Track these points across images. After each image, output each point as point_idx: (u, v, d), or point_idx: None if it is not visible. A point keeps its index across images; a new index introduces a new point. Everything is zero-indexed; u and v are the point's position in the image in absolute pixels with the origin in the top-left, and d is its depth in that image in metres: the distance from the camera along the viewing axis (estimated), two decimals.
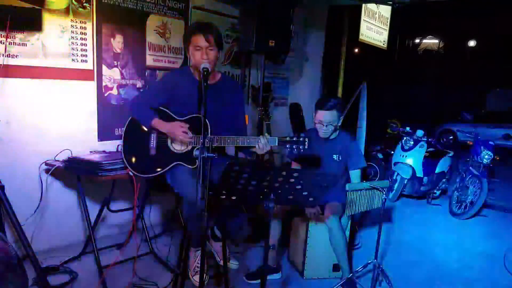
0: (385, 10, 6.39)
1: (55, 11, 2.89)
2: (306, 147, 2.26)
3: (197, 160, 2.21)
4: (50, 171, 2.83)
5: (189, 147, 2.43)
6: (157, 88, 2.60)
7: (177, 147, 2.47)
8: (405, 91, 15.00)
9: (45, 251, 3.09)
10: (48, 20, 2.86)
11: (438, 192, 5.61)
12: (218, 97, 2.45)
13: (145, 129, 2.48)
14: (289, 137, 2.29)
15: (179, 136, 2.37)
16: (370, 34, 6.01)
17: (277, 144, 2.31)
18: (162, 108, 2.49)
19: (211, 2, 4.07)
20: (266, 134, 2.39)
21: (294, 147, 2.27)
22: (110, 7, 3.22)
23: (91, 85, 3.22)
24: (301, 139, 2.26)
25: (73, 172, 2.76)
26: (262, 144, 2.30)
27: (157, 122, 2.42)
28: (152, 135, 2.48)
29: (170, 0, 3.66)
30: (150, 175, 2.48)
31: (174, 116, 2.46)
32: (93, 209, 3.06)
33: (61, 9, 2.93)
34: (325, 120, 2.92)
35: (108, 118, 3.34)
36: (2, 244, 1.85)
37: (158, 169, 2.45)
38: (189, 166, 2.41)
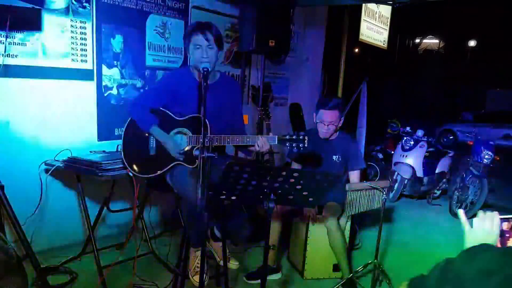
0: (385, 10, 6.38)
1: (55, 11, 2.89)
2: (305, 145, 2.26)
3: (197, 160, 2.22)
4: (50, 171, 2.83)
5: (189, 147, 2.42)
6: (157, 89, 2.59)
7: None
8: (405, 91, 15.01)
9: (45, 251, 3.09)
10: (48, 20, 2.86)
11: (438, 192, 5.61)
12: (218, 96, 2.45)
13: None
14: (289, 135, 2.29)
15: (171, 152, 2.39)
16: (370, 34, 6.00)
17: (276, 143, 2.31)
18: (162, 109, 2.48)
19: (211, 2, 4.07)
20: (270, 133, 2.40)
21: (293, 145, 2.27)
22: (110, 7, 3.22)
23: (91, 85, 3.22)
24: (300, 137, 2.26)
25: (73, 172, 2.75)
26: (262, 143, 2.31)
27: (154, 130, 2.41)
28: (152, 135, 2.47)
29: (170, 0, 3.66)
30: (150, 175, 2.48)
31: (174, 116, 2.45)
32: (93, 209, 3.06)
33: (61, 9, 2.93)
34: (327, 120, 2.91)
35: (108, 118, 3.34)
36: (2, 244, 1.84)
37: (158, 169, 2.44)
38: (189, 166, 2.41)
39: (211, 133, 2.31)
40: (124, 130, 2.50)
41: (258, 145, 2.32)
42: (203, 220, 1.80)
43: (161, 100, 2.48)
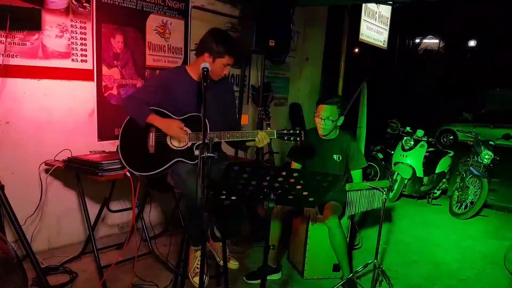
0: (385, 10, 6.38)
1: (55, 11, 2.89)
2: (302, 138, 2.36)
3: (197, 159, 2.21)
4: (50, 171, 2.83)
5: (189, 144, 2.42)
6: (153, 86, 2.58)
7: (176, 144, 2.45)
8: (405, 91, 15.01)
9: (45, 251, 3.09)
10: (48, 20, 2.86)
11: (438, 192, 5.61)
12: (212, 95, 2.45)
13: (143, 127, 2.46)
14: (286, 130, 2.40)
15: (175, 132, 2.37)
16: (370, 34, 6.00)
17: (275, 137, 2.39)
18: (158, 108, 2.48)
19: (211, 2, 4.08)
20: (268, 128, 2.44)
21: (291, 139, 2.37)
22: (110, 7, 3.22)
23: (91, 85, 3.22)
24: (297, 131, 2.36)
25: (73, 172, 2.76)
26: (261, 137, 2.37)
27: (153, 118, 2.41)
28: (150, 133, 2.46)
29: (170, 0, 3.66)
30: (151, 173, 2.47)
31: (171, 115, 2.45)
32: (93, 209, 3.06)
33: (61, 9, 2.93)
34: (323, 114, 2.92)
35: (108, 118, 3.34)
36: (2, 244, 1.85)
37: (159, 167, 2.43)
38: (190, 163, 2.40)
39: (209, 131, 2.31)
40: (121, 130, 2.49)
41: (258, 139, 2.38)
42: (203, 220, 1.80)
43: (156, 97, 2.47)
